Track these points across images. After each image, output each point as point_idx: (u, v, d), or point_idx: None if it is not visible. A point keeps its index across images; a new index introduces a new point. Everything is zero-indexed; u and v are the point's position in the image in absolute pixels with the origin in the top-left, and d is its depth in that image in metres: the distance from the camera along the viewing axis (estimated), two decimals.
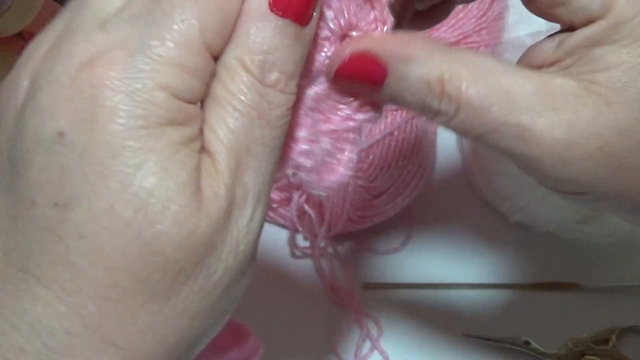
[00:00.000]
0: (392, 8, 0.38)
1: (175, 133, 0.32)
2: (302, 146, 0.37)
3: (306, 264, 0.70)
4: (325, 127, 0.38)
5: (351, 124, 0.38)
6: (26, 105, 0.32)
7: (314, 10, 0.34)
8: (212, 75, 0.33)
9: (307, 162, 0.37)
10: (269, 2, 0.33)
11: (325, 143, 0.38)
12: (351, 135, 0.38)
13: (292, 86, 0.34)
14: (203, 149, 0.33)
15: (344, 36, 0.37)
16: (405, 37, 0.37)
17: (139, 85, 0.31)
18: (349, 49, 0.37)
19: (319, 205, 0.66)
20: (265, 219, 0.35)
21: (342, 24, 0.36)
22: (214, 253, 0.32)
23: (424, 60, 0.36)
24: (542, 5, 0.38)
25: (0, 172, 0.33)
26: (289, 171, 0.37)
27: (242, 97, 0.33)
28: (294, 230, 0.69)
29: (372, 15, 0.37)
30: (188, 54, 0.32)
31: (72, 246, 0.31)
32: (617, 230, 0.69)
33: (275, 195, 0.68)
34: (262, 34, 0.33)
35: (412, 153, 0.66)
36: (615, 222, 0.68)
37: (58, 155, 0.31)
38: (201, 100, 0.33)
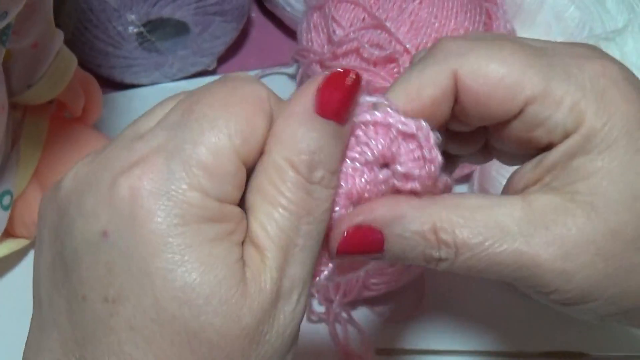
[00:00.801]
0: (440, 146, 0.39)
1: (211, 230, 0.34)
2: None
3: (321, 328, 0.71)
4: None
5: None
6: (70, 205, 0.35)
7: (352, 109, 0.37)
8: (244, 179, 0.35)
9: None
10: (315, 106, 0.35)
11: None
12: None
13: (335, 181, 0.37)
14: (251, 243, 0.35)
15: (385, 165, 0.39)
16: (391, 200, 0.39)
17: (173, 187, 0.33)
18: (343, 226, 0.38)
19: None
20: (308, 299, 0.37)
21: (375, 153, 0.38)
22: (261, 340, 0.34)
23: (414, 216, 0.38)
24: (520, 131, 0.40)
25: (54, 267, 0.35)
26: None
27: (291, 196, 0.35)
28: (310, 296, 0.70)
29: (417, 154, 0.38)
30: (218, 159, 0.34)
31: (124, 337, 0.33)
32: None
33: None
34: (309, 135, 0.35)
35: None
36: None
37: (103, 254, 0.33)
38: (236, 201, 0.35)
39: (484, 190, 0.75)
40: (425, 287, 0.73)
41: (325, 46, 0.79)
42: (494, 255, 0.37)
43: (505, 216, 0.38)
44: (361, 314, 0.72)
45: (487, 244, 0.37)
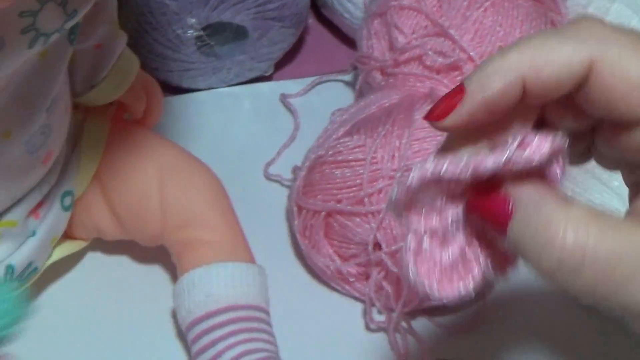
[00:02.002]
0: None
1: None
2: None
3: (380, 337, 0.70)
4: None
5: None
6: None
7: None
8: None
9: None
10: None
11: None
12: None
13: None
14: None
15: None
16: (540, 186, 0.37)
17: None
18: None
19: (396, 282, 0.67)
20: None
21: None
22: None
23: (546, 206, 0.35)
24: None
25: None
26: None
27: None
28: (370, 305, 0.69)
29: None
30: None
31: None
32: None
33: (353, 270, 0.69)
34: None
35: None
36: None
37: None
38: None
39: None
40: (486, 299, 0.72)
41: (387, 53, 0.78)
42: (626, 276, 0.34)
43: None
44: (420, 324, 0.71)
45: (617, 269, 0.33)
